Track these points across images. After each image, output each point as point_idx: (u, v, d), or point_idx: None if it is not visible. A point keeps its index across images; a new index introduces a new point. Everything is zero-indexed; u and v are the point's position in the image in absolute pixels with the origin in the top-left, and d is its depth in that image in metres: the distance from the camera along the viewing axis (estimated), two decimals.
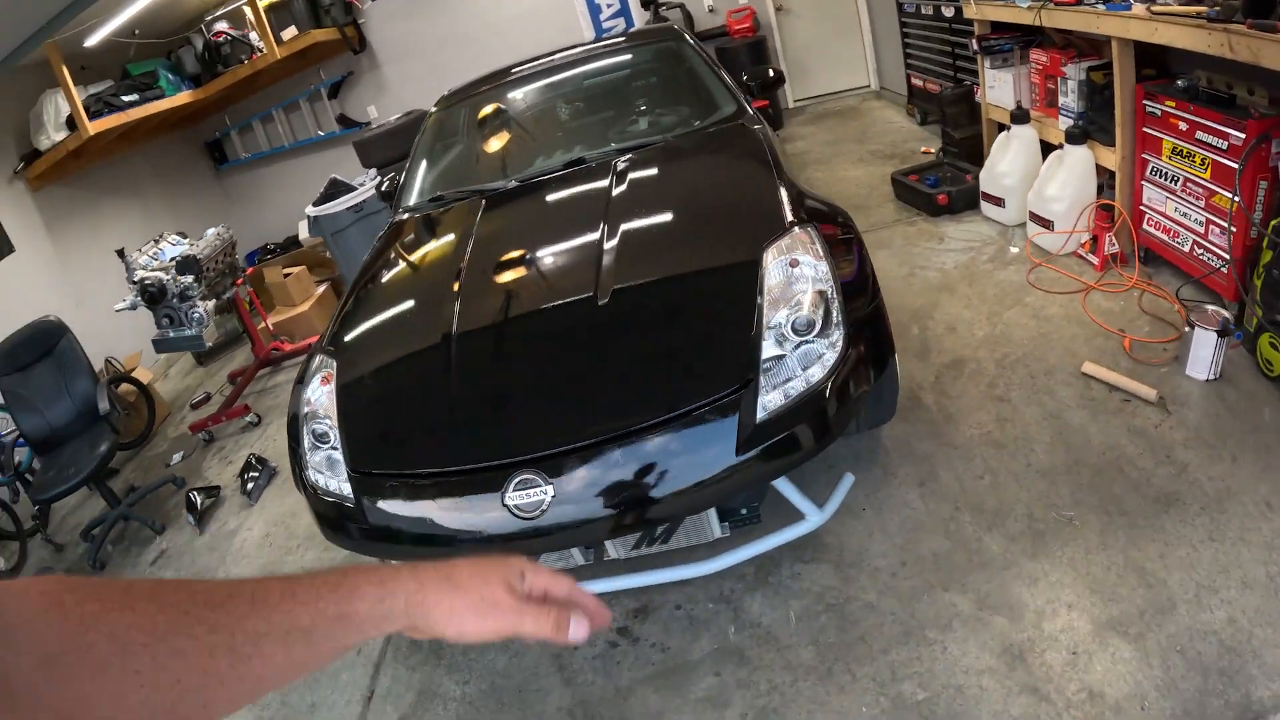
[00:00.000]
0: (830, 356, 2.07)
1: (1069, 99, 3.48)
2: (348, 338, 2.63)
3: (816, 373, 2.04)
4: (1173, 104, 2.88)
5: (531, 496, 1.94)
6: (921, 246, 3.97)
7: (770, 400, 1.99)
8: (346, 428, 2.29)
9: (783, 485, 2.19)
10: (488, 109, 3.87)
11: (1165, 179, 3.02)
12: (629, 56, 3.89)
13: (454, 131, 3.89)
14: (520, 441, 2.05)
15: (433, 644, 2.52)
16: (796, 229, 2.30)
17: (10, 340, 4.46)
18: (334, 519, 2.22)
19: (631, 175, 2.89)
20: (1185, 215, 2.95)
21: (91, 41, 5.27)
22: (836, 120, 6.54)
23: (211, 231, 5.21)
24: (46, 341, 4.49)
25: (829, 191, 4.96)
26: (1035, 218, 3.62)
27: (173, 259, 4.87)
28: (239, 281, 5.43)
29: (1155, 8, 2.65)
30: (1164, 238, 3.12)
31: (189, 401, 5.47)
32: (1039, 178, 3.58)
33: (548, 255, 2.70)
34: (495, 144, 3.77)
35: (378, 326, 2.69)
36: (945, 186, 4.20)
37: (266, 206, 7.94)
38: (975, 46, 4.03)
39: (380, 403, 2.40)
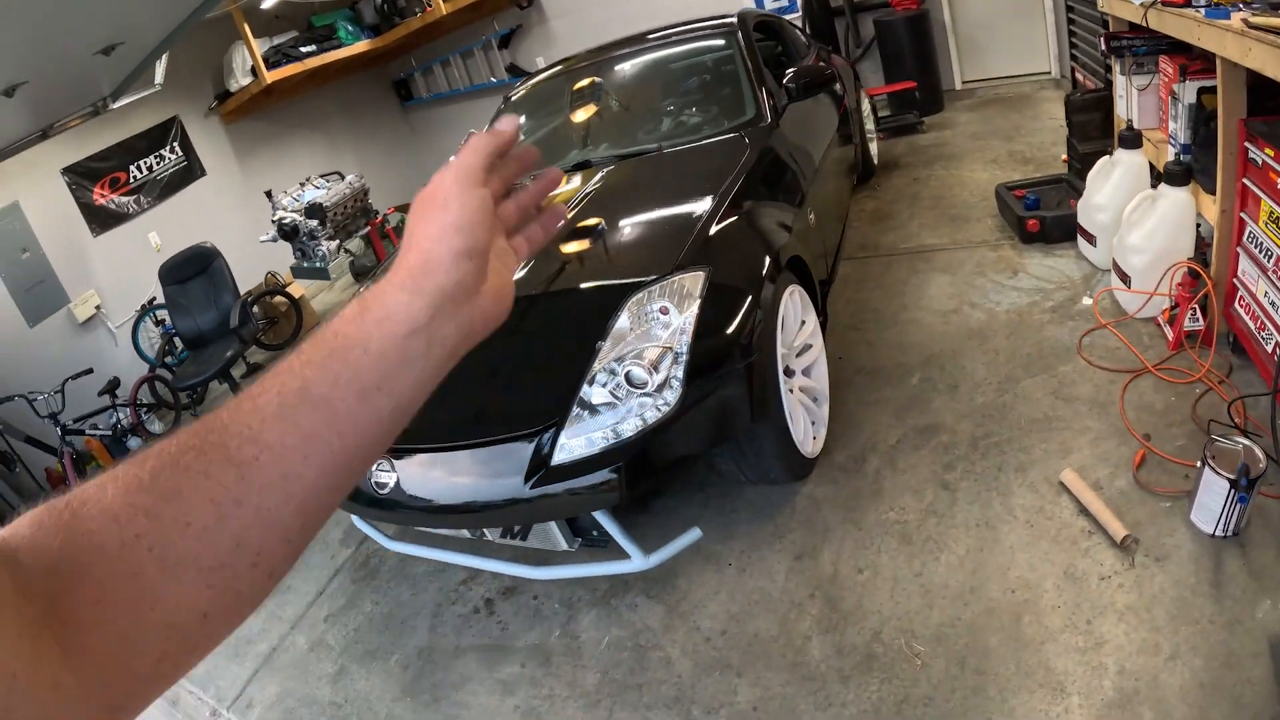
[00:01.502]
0: (652, 415, 2.13)
1: (1176, 125, 2.93)
2: None
3: (629, 428, 2.12)
4: (1273, 153, 2.33)
5: (384, 475, 2.36)
6: (989, 278, 3.58)
7: (574, 445, 2.13)
8: None
9: (607, 523, 2.30)
10: (531, 107, 4.19)
11: (1260, 250, 2.47)
12: (680, 49, 3.89)
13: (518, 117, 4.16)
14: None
15: (370, 571, 3.21)
16: (681, 275, 2.31)
17: (176, 258, 5.50)
18: None
19: (601, 185, 3.07)
20: (1275, 305, 2.39)
21: (268, 4, 6.07)
22: (999, 109, 5.86)
23: (346, 180, 5.90)
24: (203, 262, 5.46)
25: (938, 194, 4.60)
26: (1116, 268, 3.11)
27: (307, 203, 5.61)
28: (374, 222, 6.11)
29: (1253, 19, 2.14)
30: (1250, 326, 2.56)
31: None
32: (1124, 220, 3.06)
33: None
34: (530, 140, 4.00)
35: None
36: (1044, 210, 3.69)
37: (447, 142, 8.78)
38: (1104, 46, 3.46)
39: None
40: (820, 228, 3.20)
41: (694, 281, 2.29)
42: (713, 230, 2.50)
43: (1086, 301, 3.18)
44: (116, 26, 3.44)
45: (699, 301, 2.24)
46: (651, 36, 4.00)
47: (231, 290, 5.48)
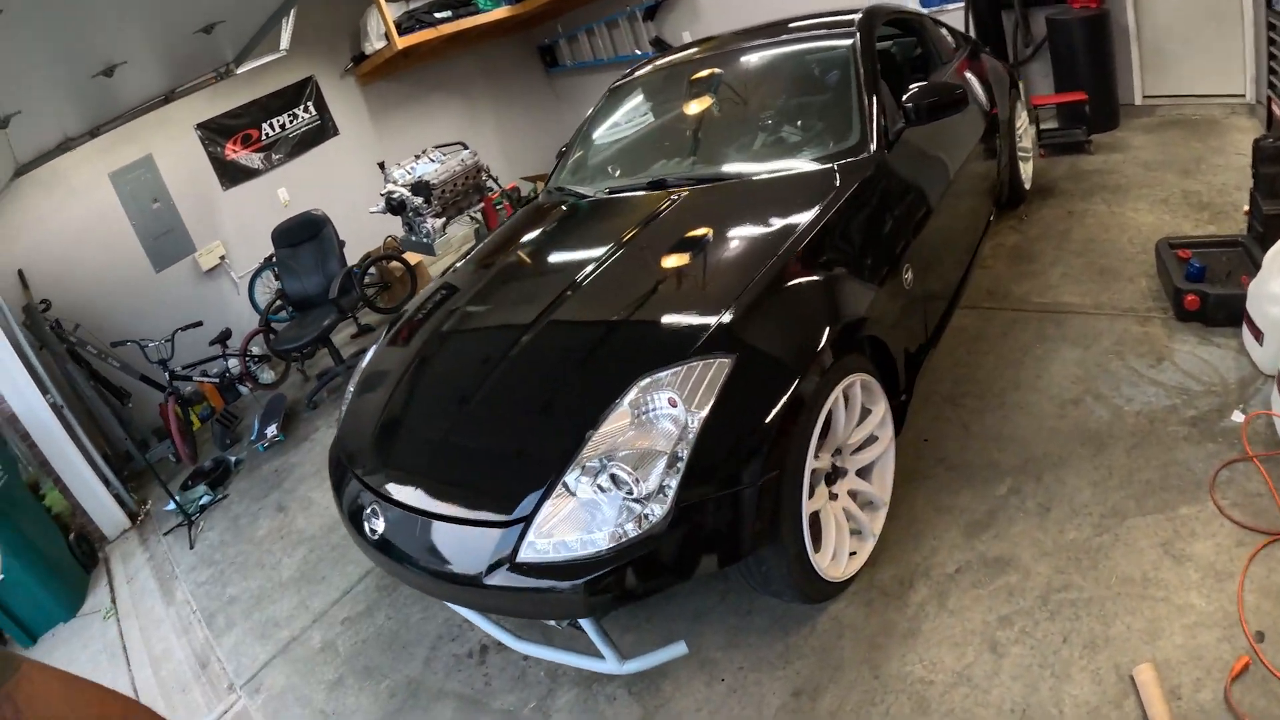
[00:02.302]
0: (633, 529, 1.86)
1: None
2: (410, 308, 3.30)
3: (604, 538, 1.86)
4: None
5: (375, 522, 2.29)
6: (1126, 362, 2.97)
7: (543, 545, 1.91)
8: (350, 405, 2.92)
9: (585, 623, 2.10)
10: (630, 104, 3.88)
11: None
12: (792, 51, 3.39)
13: (603, 121, 3.93)
14: (375, 472, 2.41)
15: (392, 583, 3.27)
16: (701, 361, 1.99)
17: (288, 222, 5.70)
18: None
19: (663, 218, 2.81)
20: None
21: None
22: (1180, 134, 4.90)
23: (459, 155, 5.83)
24: (313, 228, 5.61)
25: (1091, 237, 3.97)
26: None
27: (415, 179, 5.59)
28: (489, 198, 6.04)
29: None
30: None
31: None
32: None
33: (526, 284, 2.94)
34: (621, 144, 3.79)
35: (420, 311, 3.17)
36: (1208, 283, 3.01)
37: (589, 111, 8.58)
38: None
39: (370, 396, 2.84)
40: (924, 283, 2.73)
41: (714, 372, 1.96)
42: (758, 301, 2.13)
43: (1236, 418, 2.54)
44: (216, 8, 3.44)
45: (714, 399, 1.92)
46: (767, 32, 3.57)
47: (338, 259, 5.59)
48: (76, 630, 4.09)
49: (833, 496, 2.29)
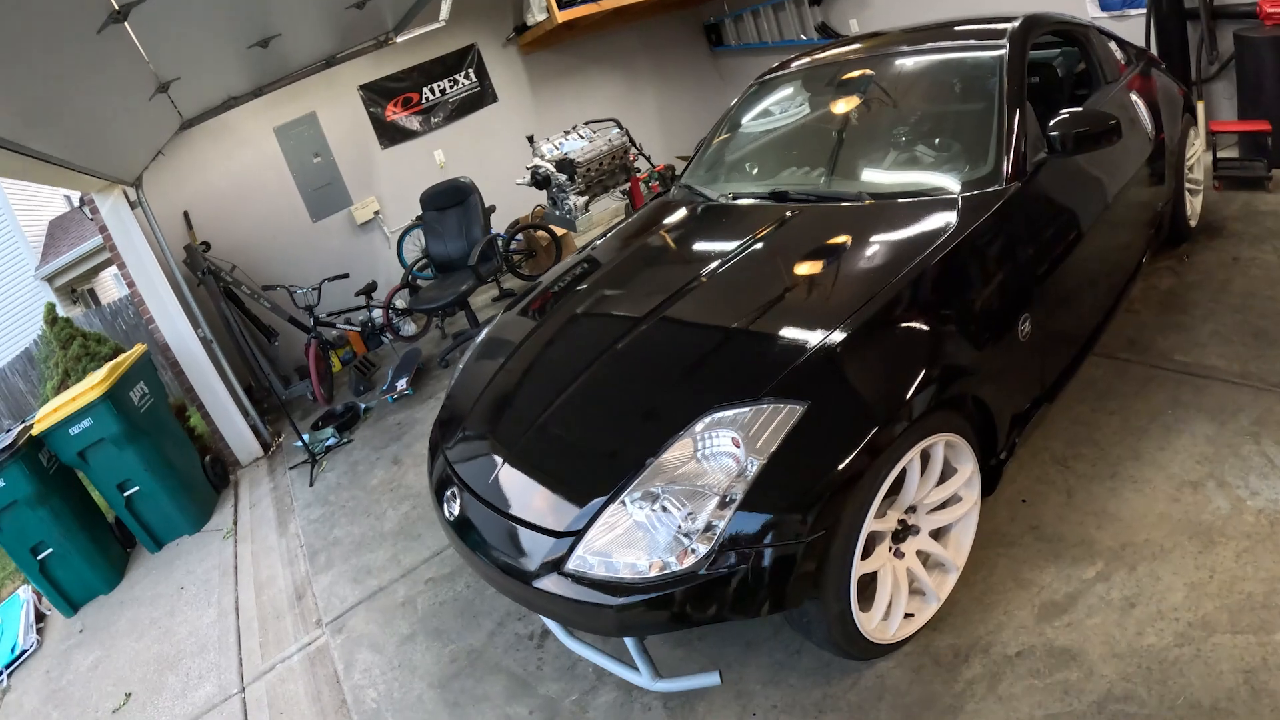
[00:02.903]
0: (674, 564, 1.87)
1: None
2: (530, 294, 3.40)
3: (646, 566, 1.89)
4: None
5: (453, 504, 2.42)
6: (1262, 448, 2.66)
7: (591, 560, 1.96)
8: (460, 375, 3.09)
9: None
10: (769, 101, 3.77)
11: None
12: (937, 60, 3.17)
13: (741, 117, 3.85)
14: (460, 458, 2.55)
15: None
16: (771, 404, 1.95)
17: (437, 187, 6.01)
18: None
19: (777, 235, 2.75)
20: None
21: None
22: None
23: (607, 134, 5.88)
24: (460, 195, 5.88)
25: (1252, 290, 3.56)
26: None
27: (561, 155, 5.69)
28: (636, 179, 6.11)
29: None
30: None
31: None
32: None
33: (638, 289, 2.90)
34: (753, 144, 3.71)
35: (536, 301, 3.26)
36: None
37: None
38: None
39: (480, 367, 3.00)
40: (1048, 332, 2.54)
41: (780, 419, 1.92)
42: (844, 346, 2.05)
43: None
44: None
45: (775, 447, 1.88)
46: (922, 35, 3.36)
47: (482, 226, 5.81)
48: (198, 544, 4.53)
49: (899, 554, 2.19)
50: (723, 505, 1.85)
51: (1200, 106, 4.89)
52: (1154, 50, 4.97)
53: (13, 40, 2.25)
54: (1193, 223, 4.11)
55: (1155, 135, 3.45)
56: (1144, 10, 5.03)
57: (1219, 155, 4.59)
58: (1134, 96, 3.46)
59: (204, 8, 3.08)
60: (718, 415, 1.97)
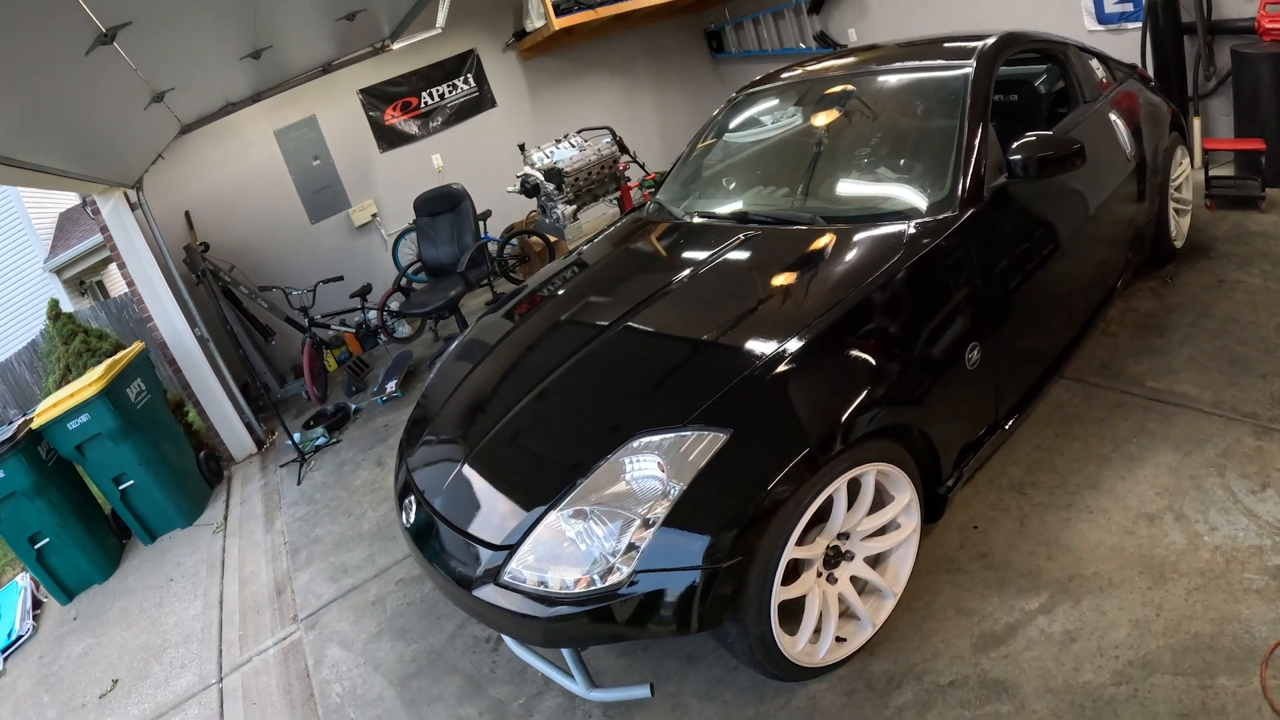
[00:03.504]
0: (598, 581, 1.94)
1: None
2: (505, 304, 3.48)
3: (569, 582, 1.96)
4: None
5: (410, 512, 2.53)
6: (1226, 480, 2.65)
7: (524, 572, 2.03)
8: (433, 379, 3.16)
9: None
10: (743, 117, 3.80)
11: None
12: (906, 80, 3.16)
13: (715, 133, 3.89)
14: (418, 466, 2.64)
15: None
16: (695, 431, 2.00)
17: (430, 193, 6.15)
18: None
19: (731, 259, 2.79)
20: None
21: None
22: None
23: (598, 144, 5.92)
24: (452, 201, 5.95)
25: (1233, 316, 3.52)
26: None
27: (554, 163, 5.73)
28: (627, 187, 6.16)
29: None
30: None
31: None
32: None
33: (598, 303, 2.95)
34: (722, 162, 3.75)
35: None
36: None
37: None
38: None
39: (453, 369, 3.08)
40: (1005, 357, 2.55)
41: (703, 446, 1.98)
42: (773, 376, 2.10)
43: None
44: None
45: (696, 474, 1.94)
46: (901, 53, 3.35)
47: (473, 232, 5.87)
48: (189, 537, 4.63)
49: (831, 580, 2.20)
50: (645, 526, 1.91)
51: (1196, 123, 4.82)
52: (1150, 65, 4.91)
53: (1, 59, 2.31)
54: (1179, 243, 4.05)
55: (1136, 154, 3.41)
56: (1140, 24, 4.96)
57: (1213, 173, 4.53)
58: (1114, 115, 3.42)
59: (192, 25, 3.15)
60: (645, 440, 2.04)
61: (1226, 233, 4.23)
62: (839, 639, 2.25)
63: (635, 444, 2.03)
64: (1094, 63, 3.62)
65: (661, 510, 1.89)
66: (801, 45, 7.63)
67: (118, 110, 3.69)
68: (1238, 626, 2.13)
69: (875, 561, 2.33)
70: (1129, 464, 2.83)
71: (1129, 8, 5.11)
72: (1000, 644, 2.27)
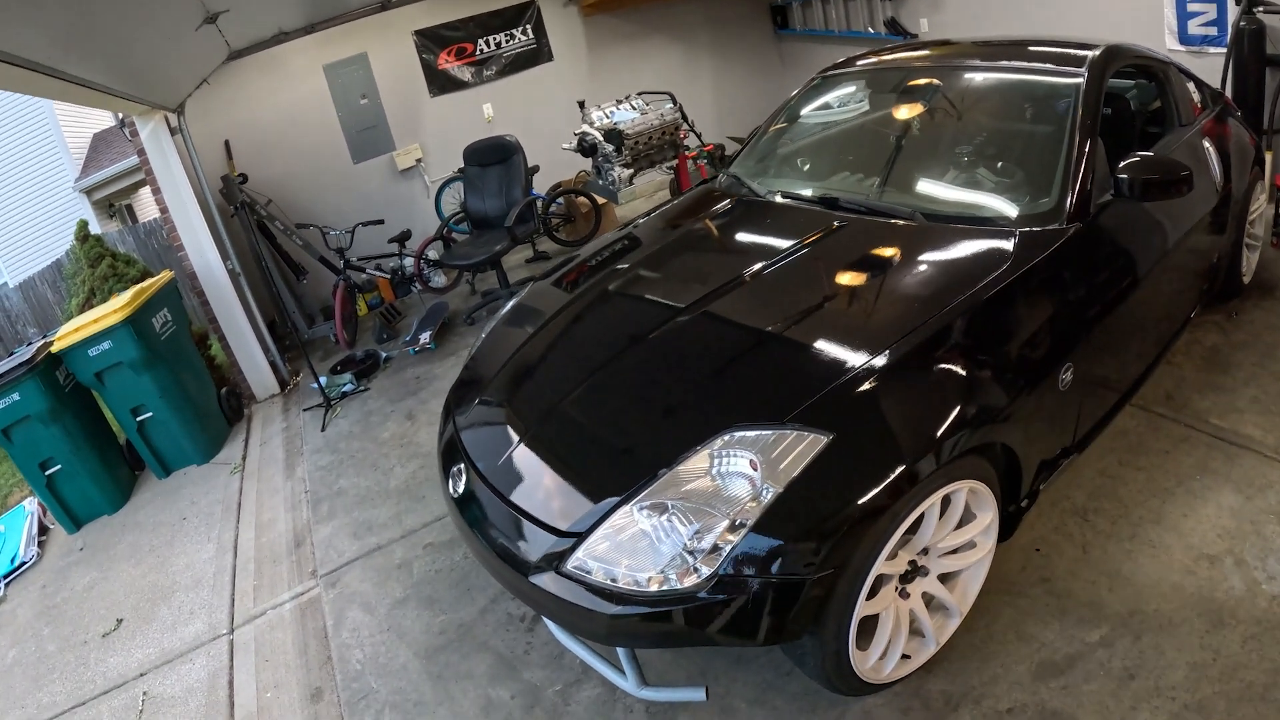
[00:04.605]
0: (674, 582, 1.83)
1: None
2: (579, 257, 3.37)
3: (646, 580, 1.86)
4: None
5: (459, 481, 2.40)
6: None
7: (591, 564, 1.93)
8: (485, 339, 3.04)
9: None
10: (831, 97, 3.67)
11: None
12: (1009, 81, 3.05)
13: (800, 110, 3.75)
14: (476, 426, 2.53)
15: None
16: (795, 431, 1.91)
17: (482, 143, 6.03)
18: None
19: (824, 248, 2.67)
20: None
21: None
22: None
23: (660, 109, 5.81)
24: (504, 153, 5.85)
25: None
26: None
27: (614, 123, 5.62)
28: (684, 156, 6.06)
29: None
30: None
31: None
32: None
33: (676, 283, 2.82)
34: (809, 141, 3.62)
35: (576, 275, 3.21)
36: None
37: None
38: None
39: (508, 334, 2.96)
40: (1089, 381, 2.45)
41: (803, 447, 1.87)
42: (879, 377, 2.00)
43: None
44: None
45: (794, 477, 1.83)
46: (997, 51, 3.23)
47: (523, 187, 5.76)
48: (205, 475, 4.57)
49: (904, 595, 2.15)
50: (732, 529, 1.81)
51: (1268, 158, 4.72)
52: (1229, 93, 4.80)
53: None
54: (1246, 279, 3.97)
55: (1223, 185, 3.33)
56: (1224, 49, 4.85)
57: None
58: (1206, 142, 3.33)
59: None
60: (739, 434, 1.93)
61: None
62: (904, 656, 2.18)
63: (726, 438, 1.93)
64: (1190, 85, 3.53)
65: (754, 512, 1.80)
66: (870, 30, 7.44)
67: (168, 28, 3.57)
68: None
69: (945, 579, 2.26)
70: (1192, 501, 2.77)
71: (1213, 32, 4.97)
72: (1060, 674, 2.21)
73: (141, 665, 3.12)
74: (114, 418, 4.57)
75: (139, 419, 4.45)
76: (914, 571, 2.15)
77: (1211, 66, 4.88)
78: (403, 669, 2.74)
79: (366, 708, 2.62)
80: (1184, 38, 5.14)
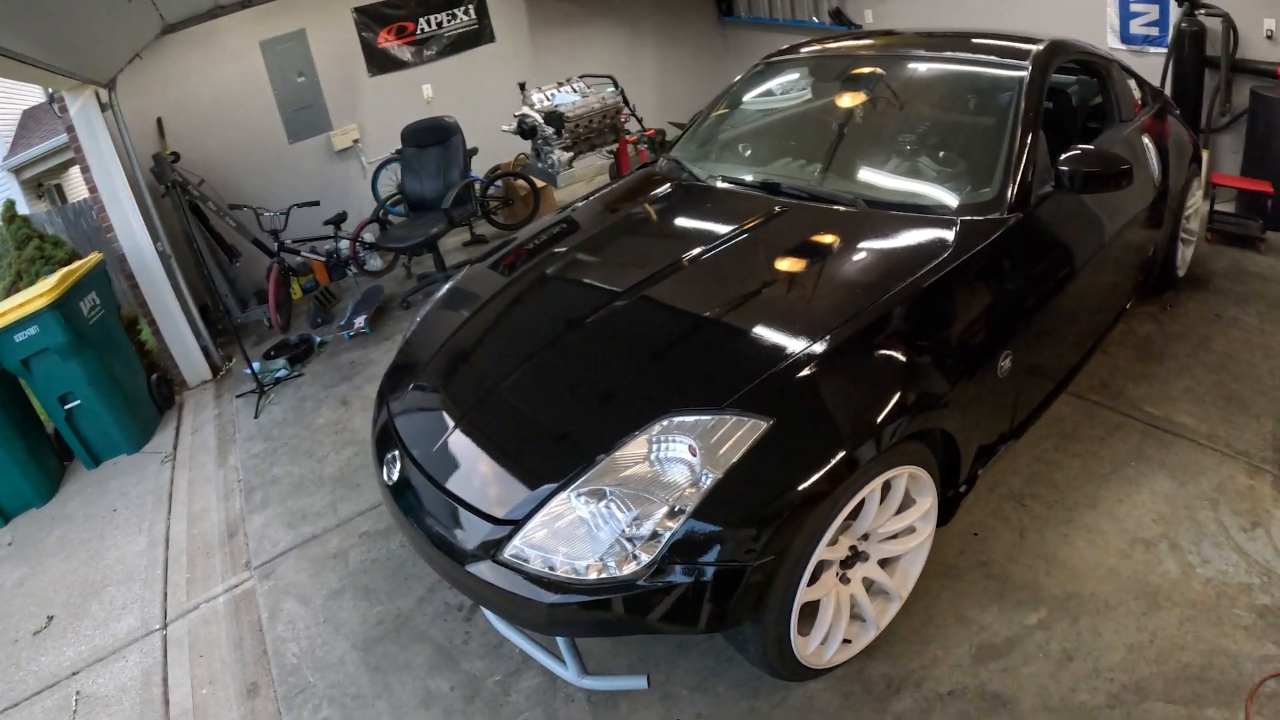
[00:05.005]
0: (613, 569, 1.81)
1: None
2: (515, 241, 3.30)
3: (580, 567, 1.83)
4: None
5: (393, 468, 2.33)
6: (1219, 515, 2.68)
7: (527, 551, 1.89)
8: (420, 324, 2.96)
9: None
10: (774, 83, 3.65)
11: None
12: (952, 72, 3.08)
13: (742, 96, 3.73)
14: (410, 412, 2.47)
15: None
16: (735, 417, 1.89)
17: (420, 123, 5.89)
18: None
19: (764, 232, 2.66)
20: None
21: None
22: None
23: (601, 92, 5.76)
24: (442, 134, 5.72)
25: (1230, 352, 3.53)
26: None
27: (555, 106, 5.55)
28: (625, 140, 6.01)
29: None
30: None
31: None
32: None
33: (618, 264, 2.82)
34: (751, 126, 3.60)
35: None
36: None
37: None
38: None
39: (443, 318, 2.89)
40: (1026, 368, 2.49)
41: (743, 433, 1.86)
42: (820, 362, 1.99)
43: None
44: None
45: (733, 463, 1.82)
46: (940, 42, 3.25)
47: (461, 169, 5.65)
48: (135, 464, 4.40)
49: (844, 580, 2.16)
50: (672, 515, 1.79)
51: (1205, 156, 4.87)
52: (1168, 92, 4.94)
53: None
54: (1181, 272, 4.10)
55: (1160, 181, 3.42)
56: (1165, 50, 4.98)
57: (1216, 208, 4.59)
58: (1145, 138, 3.41)
59: None
60: (677, 420, 1.91)
61: (1225, 268, 4.28)
62: (844, 640, 2.19)
63: (665, 424, 1.90)
64: (1131, 82, 3.60)
65: (693, 498, 1.78)
66: (815, 19, 7.48)
67: None
68: (1225, 660, 2.16)
69: (885, 563, 2.27)
70: (1126, 487, 2.85)
71: (1154, 32, 5.10)
72: (999, 657, 2.25)
73: (74, 663, 2.99)
74: (41, 406, 4.37)
75: (67, 407, 4.26)
76: (855, 557, 2.16)
77: (1152, 66, 5.01)
78: (340, 662, 2.68)
79: (304, 702, 2.55)
80: (1125, 37, 5.27)
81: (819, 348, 2.01)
